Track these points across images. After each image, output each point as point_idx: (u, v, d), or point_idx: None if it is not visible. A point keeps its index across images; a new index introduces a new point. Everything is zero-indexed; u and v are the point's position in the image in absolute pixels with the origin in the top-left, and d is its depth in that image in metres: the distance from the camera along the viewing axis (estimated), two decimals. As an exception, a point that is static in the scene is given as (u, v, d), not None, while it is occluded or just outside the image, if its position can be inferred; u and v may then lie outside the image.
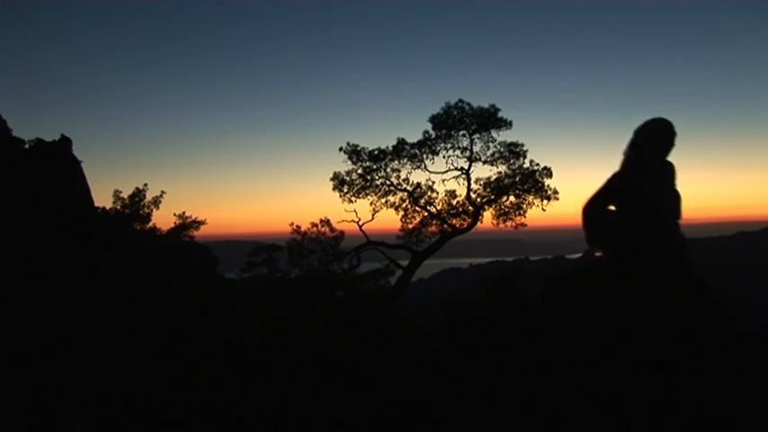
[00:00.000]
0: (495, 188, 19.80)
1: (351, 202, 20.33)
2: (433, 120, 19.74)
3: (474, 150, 19.84)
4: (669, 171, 4.53)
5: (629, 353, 4.52)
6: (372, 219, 20.55)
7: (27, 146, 18.98)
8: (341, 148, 20.14)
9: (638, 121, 4.56)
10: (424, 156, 20.01)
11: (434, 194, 20.28)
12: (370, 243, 20.74)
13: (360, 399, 6.19)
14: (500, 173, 19.89)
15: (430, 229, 20.48)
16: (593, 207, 4.61)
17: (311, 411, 5.68)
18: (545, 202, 19.68)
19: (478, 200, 20.02)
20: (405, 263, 20.31)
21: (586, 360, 7.37)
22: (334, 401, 6.00)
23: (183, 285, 13.61)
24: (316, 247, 20.53)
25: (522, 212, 19.90)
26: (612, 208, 4.62)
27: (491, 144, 19.79)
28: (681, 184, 4.62)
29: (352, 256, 20.82)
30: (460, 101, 19.53)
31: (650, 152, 4.43)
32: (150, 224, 19.66)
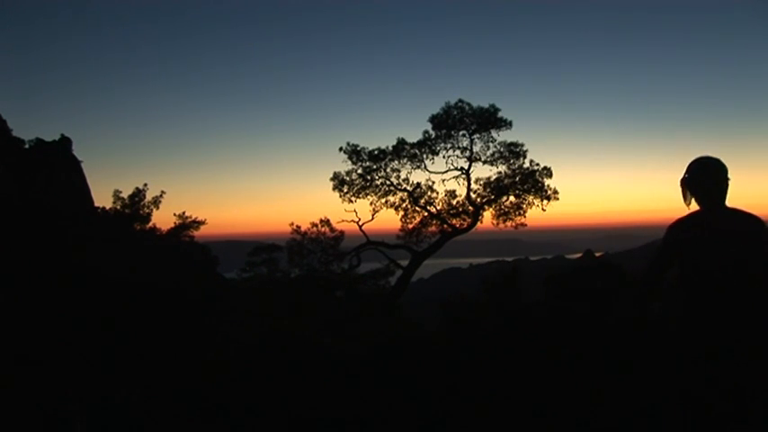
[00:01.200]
0: (495, 188, 19.80)
1: (351, 202, 20.35)
2: (433, 120, 19.75)
3: (474, 150, 19.86)
4: (740, 226, 3.31)
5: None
6: (372, 219, 20.57)
7: (27, 146, 18.98)
8: (341, 148, 20.16)
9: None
10: (424, 156, 20.02)
11: (434, 194, 20.29)
12: (370, 243, 20.74)
13: (360, 398, 6.19)
14: (500, 173, 19.91)
15: (430, 229, 20.49)
16: (647, 282, 3.57)
17: (311, 411, 5.68)
18: (545, 202, 19.69)
19: (478, 200, 20.02)
20: (405, 263, 20.31)
21: (586, 360, 7.38)
22: (334, 401, 6.01)
23: (183, 285, 13.61)
24: (316, 247, 20.52)
25: (522, 212, 19.91)
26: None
27: (491, 144, 19.81)
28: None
29: (352, 256, 20.82)
30: (460, 101, 19.55)
31: (699, 199, 3.41)
32: (150, 224, 19.65)
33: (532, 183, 19.62)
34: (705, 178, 3.39)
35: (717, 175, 3.38)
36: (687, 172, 3.44)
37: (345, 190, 20.17)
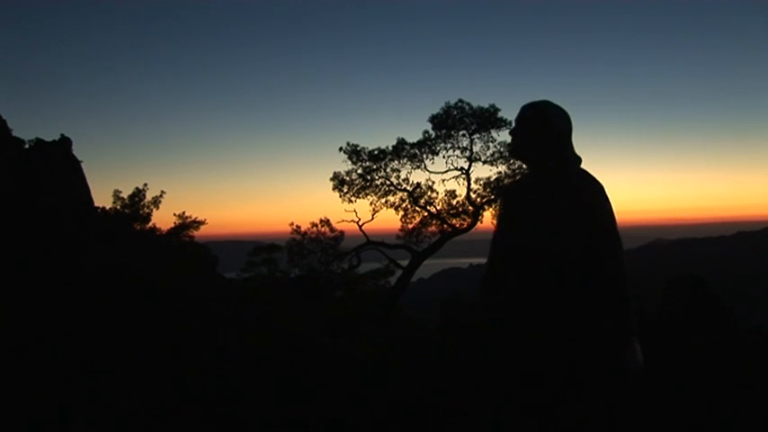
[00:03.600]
0: (495, 188, 19.82)
1: (351, 202, 20.36)
2: (433, 120, 19.76)
3: (474, 150, 19.87)
4: (563, 193, 2.48)
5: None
6: (372, 219, 20.58)
7: (27, 146, 18.98)
8: (341, 148, 20.17)
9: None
10: (424, 156, 20.02)
11: (434, 194, 20.31)
12: (370, 243, 20.75)
13: (359, 398, 6.19)
14: (500, 173, 19.93)
15: (430, 229, 20.50)
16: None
17: (311, 411, 5.69)
18: (545, 201, 19.66)
19: (478, 200, 20.03)
20: (405, 263, 20.32)
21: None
22: (333, 401, 6.01)
23: (183, 285, 13.61)
24: (316, 247, 20.54)
25: (522, 212, 19.89)
26: None
27: (491, 144, 19.81)
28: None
29: (352, 256, 20.83)
30: (460, 101, 19.55)
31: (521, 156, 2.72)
32: (150, 224, 19.69)
33: (532, 183, 19.61)
34: (518, 129, 2.63)
35: (530, 124, 2.58)
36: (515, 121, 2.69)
37: (345, 190, 20.19)
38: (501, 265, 2.65)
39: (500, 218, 2.74)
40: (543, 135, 2.53)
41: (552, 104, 2.59)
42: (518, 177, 2.48)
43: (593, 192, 2.49)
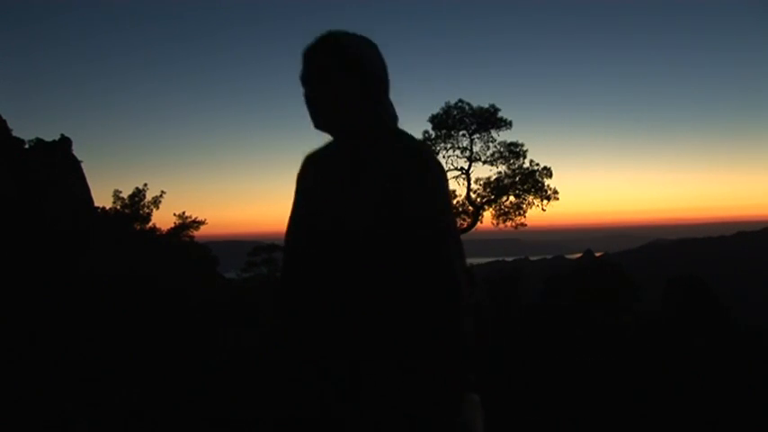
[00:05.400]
0: (495, 188, 19.83)
1: (351, 201, 20.35)
2: (433, 120, 19.79)
3: (474, 150, 19.89)
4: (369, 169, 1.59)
5: None
6: (372, 219, 20.57)
7: (27, 146, 19.00)
8: (341, 148, 20.18)
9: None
10: (424, 156, 20.04)
11: (434, 194, 20.29)
12: (370, 243, 20.75)
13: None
14: (500, 173, 19.94)
15: (430, 228, 20.49)
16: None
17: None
18: (545, 202, 19.72)
19: (478, 200, 20.05)
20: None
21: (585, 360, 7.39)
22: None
23: (183, 285, 13.62)
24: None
25: (521, 212, 19.93)
26: None
27: (491, 144, 19.83)
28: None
29: (352, 256, 20.83)
30: (460, 101, 19.57)
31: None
32: (150, 224, 19.70)
33: (532, 183, 19.66)
34: (313, 75, 1.63)
35: (332, 66, 1.60)
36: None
37: (345, 190, 20.19)
38: (295, 275, 1.69)
39: (294, 205, 1.82)
40: (353, 82, 1.61)
41: (356, 34, 1.67)
42: (318, 148, 1.68)
43: (419, 164, 1.60)
